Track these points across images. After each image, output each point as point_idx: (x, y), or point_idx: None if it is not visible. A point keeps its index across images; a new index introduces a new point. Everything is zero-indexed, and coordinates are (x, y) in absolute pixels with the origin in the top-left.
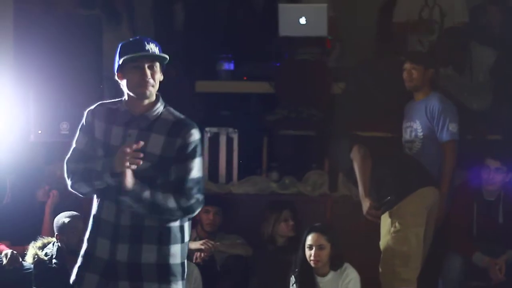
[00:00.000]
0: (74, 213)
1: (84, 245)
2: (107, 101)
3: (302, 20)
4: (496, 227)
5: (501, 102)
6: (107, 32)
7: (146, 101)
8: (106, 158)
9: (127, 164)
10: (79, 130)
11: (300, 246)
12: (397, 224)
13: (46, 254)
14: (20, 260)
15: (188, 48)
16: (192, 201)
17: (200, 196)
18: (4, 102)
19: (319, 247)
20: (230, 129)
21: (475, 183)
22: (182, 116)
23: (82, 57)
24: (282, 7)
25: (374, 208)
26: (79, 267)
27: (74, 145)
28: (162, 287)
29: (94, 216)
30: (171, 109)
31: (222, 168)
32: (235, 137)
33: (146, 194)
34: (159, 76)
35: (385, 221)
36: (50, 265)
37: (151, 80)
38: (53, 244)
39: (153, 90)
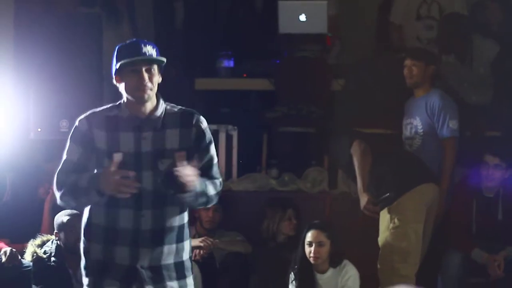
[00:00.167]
0: (74, 211)
1: (95, 255)
2: (99, 108)
3: (302, 17)
4: (495, 223)
5: (501, 98)
6: (107, 30)
7: (149, 103)
8: (92, 174)
9: (118, 191)
10: (70, 141)
11: (299, 243)
12: (396, 220)
13: (45, 252)
14: (19, 258)
15: (188, 46)
16: (221, 185)
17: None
18: (4, 100)
19: (319, 244)
20: (230, 126)
21: (474, 179)
22: (182, 107)
23: (82, 55)
24: (282, 4)
25: (372, 203)
26: (93, 276)
27: (65, 156)
28: (180, 284)
29: (101, 226)
30: (169, 104)
31: (221, 165)
32: (235, 134)
33: (204, 187)
34: (157, 79)
35: (384, 217)
36: (49, 263)
37: (149, 84)
38: (52, 242)
39: (151, 93)
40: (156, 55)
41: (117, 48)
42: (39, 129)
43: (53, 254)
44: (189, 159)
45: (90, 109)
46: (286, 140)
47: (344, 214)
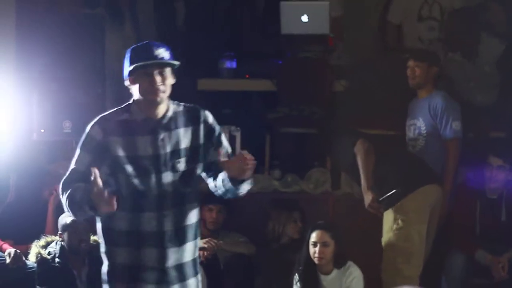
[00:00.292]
0: None
1: (121, 259)
2: (106, 113)
3: (304, 18)
4: (498, 225)
5: (506, 98)
6: (110, 31)
7: (162, 105)
8: (85, 189)
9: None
10: (81, 149)
11: (304, 244)
12: (399, 221)
13: (49, 253)
14: (23, 259)
15: (190, 47)
16: None
17: None
18: (7, 100)
19: (323, 244)
20: (232, 127)
21: (478, 181)
22: (185, 104)
23: (85, 56)
24: (284, 5)
25: (377, 201)
26: (122, 281)
27: (73, 165)
28: (196, 279)
29: (125, 230)
30: (173, 101)
31: None
32: (238, 135)
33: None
34: (170, 81)
35: (388, 218)
36: (53, 264)
37: (161, 87)
38: (56, 243)
39: (164, 96)
40: (169, 58)
41: (129, 50)
42: (42, 130)
43: (57, 255)
44: (199, 156)
45: (93, 110)
46: (289, 141)
47: (347, 215)
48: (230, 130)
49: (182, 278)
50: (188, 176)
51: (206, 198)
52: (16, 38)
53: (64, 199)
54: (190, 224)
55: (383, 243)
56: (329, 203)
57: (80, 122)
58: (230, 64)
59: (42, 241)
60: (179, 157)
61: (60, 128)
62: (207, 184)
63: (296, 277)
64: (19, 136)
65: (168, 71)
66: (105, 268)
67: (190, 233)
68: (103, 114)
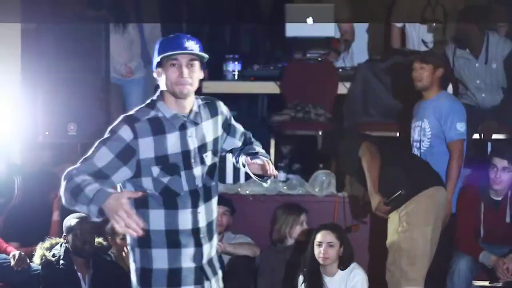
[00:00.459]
0: (83, 215)
1: (159, 262)
2: (131, 112)
3: (309, 21)
4: (503, 226)
5: (511, 100)
6: (114, 33)
7: (189, 99)
8: (100, 188)
9: (122, 227)
10: (104, 145)
11: (308, 245)
12: (405, 224)
13: (53, 255)
14: (28, 261)
15: None
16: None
17: None
18: (12, 103)
19: (329, 244)
20: None
21: (482, 182)
22: (201, 96)
23: (90, 58)
24: (289, 8)
25: (384, 204)
26: (161, 285)
27: (91, 158)
28: (220, 271)
29: (162, 230)
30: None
31: (229, 168)
32: None
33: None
34: (198, 75)
35: (393, 220)
36: (57, 266)
37: (188, 79)
38: (61, 245)
39: (191, 88)
40: (200, 51)
41: (159, 41)
42: (47, 133)
43: (62, 257)
44: (219, 146)
45: (98, 112)
46: (294, 143)
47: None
48: None
49: (214, 272)
50: (213, 168)
51: None
52: (21, 40)
53: (69, 181)
54: (215, 217)
55: (388, 245)
56: (334, 206)
57: (85, 124)
58: (235, 67)
59: (46, 243)
60: (206, 151)
61: (65, 130)
62: None
63: (301, 278)
64: (24, 139)
65: (196, 64)
66: (138, 272)
67: (215, 227)
68: (128, 113)
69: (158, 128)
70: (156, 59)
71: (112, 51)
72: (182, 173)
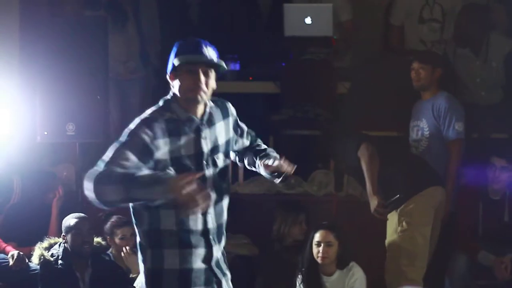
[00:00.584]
0: (82, 214)
1: (170, 263)
2: (146, 115)
3: (308, 20)
4: (501, 226)
5: (510, 99)
6: (113, 33)
7: (204, 102)
8: (154, 172)
9: (196, 206)
10: (126, 148)
11: (307, 244)
12: (404, 223)
13: (52, 255)
14: (26, 261)
15: None
16: None
17: None
18: (10, 103)
19: (327, 244)
20: None
21: (481, 182)
22: (213, 98)
23: (88, 58)
24: (288, 7)
25: (383, 206)
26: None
27: (116, 160)
28: (228, 270)
29: (173, 231)
30: None
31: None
32: None
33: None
34: (212, 84)
35: (392, 220)
36: (56, 265)
37: (204, 86)
38: (60, 245)
39: (204, 96)
40: (217, 59)
41: (177, 44)
42: (46, 133)
43: (60, 257)
44: (231, 148)
45: (96, 112)
46: (292, 143)
47: (351, 216)
48: None
49: (224, 273)
50: (225, 170)
51: None
52: (19, 40)
53: (107, 175)
54: (225, 219)
55: (387, 245)
56: (333, 205)
57: (83, 124)
58: (234, 67)
59: (45, 243)
60: (218, 153)
61: (63, 130)
62: None
63: (299, 278)
64: (23, 139)
65: (213, 73)
66: (148, 272)
67: (224, 229)
68: (145, 116)
69: (174, 129)
70: (174, 62)
71: (110, 51)
72: None
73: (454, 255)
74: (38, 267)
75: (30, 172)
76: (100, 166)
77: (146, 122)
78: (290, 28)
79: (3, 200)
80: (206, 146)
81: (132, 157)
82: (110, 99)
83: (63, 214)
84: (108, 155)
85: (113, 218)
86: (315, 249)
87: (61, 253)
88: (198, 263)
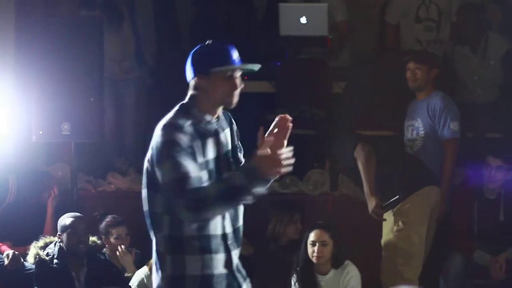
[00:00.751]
0: (77, 214)
1: (192, 269)
2: (172, 119)
3: (303, 20)
4: (497, 225)
5: (505, 99)
6: (108, 33)
7: None
8: (240, 172)
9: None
10: (182, 159)
11: (301, 244)
12: (400, 223)
13: (47, 254)
14: (22, 260)
15: (188, 48)
16: None
17: None
18: (5, 102)
19: (322, 243)
20: None
21: (476, 181)
22: None
23: (83, 58)
24: (283, 7)
25: (381, 207)
26: None
27: (187, 174)
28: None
29: (195, 236)
30: None
31: None
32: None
33: None
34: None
35: (388, 219)
36: (51, 265)
37: (239, 91)
38: (55, 244)
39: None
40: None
41: (210, 47)
42: (41, 132)
43: (55, 256)
44: (237, 153)
45: (91, 112)
46: (288, 142)
47: (346, 216)
48: None
49: (244, 277)
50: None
51: None
52: (15, 40)
53: (211, 200)
54: (241, 224)
55: (383, 245)
56: (328, 205)
57: (78, 124)
58: None
59: (40, 242)
60: (230, 157)
61: (58, 130)
62: None
63: (294, 277)
64: (18, 138)
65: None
66: (166, 284)
67: (241, 234)
68: (169, 122)
69: (199, 133)
70: (223, 68)
71: (106, 50)
72: (214, 179)
73: (450, 254)
74: (34, 266)
75: (26, 171)
76: (183, 188)
77: (177, 129)
78: (286, 28)
79: None
80: (222, 149)
81: (193, 163)
82: (105, 99)
83: (58, 214)
84: (173, 175)
85: (108, 218)
86: (310, 249)
87: (56, 252)
88: (219, 268)
